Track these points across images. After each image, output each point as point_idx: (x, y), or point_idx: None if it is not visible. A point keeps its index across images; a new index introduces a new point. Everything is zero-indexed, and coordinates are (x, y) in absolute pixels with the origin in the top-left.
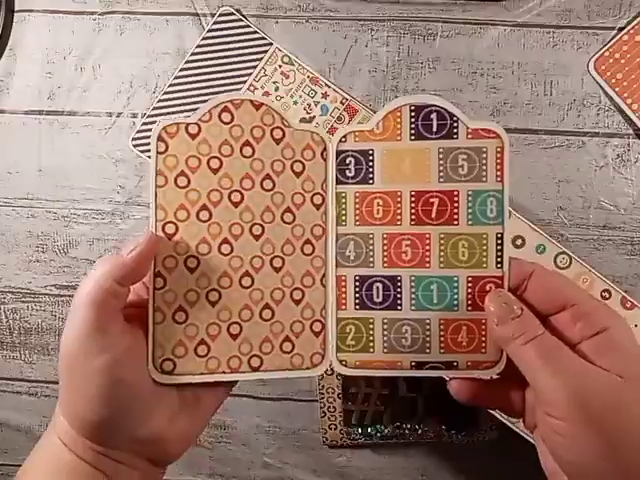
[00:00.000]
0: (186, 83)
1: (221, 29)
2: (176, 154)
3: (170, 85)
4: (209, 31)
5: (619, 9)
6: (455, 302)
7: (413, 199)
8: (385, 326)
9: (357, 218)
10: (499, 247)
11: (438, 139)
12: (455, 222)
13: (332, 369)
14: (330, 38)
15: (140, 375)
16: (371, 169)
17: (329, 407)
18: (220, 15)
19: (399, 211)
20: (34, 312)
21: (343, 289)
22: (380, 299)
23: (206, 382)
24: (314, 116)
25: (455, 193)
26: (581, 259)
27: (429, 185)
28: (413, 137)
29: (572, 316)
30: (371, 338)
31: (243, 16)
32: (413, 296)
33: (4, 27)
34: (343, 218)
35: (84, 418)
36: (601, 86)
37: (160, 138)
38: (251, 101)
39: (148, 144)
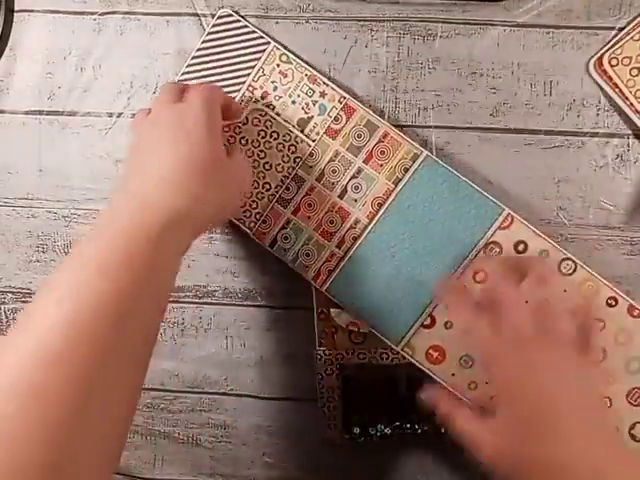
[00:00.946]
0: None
1: (220, 30)
2: None
3: None
4: (209, 33)
5: (619, 9)
6: None
7: None
8: None
9: None
10: None
11: None
12: None
13: (332, 369)
14: (330, 39)
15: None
16: None
17: (329, 407)
18: (219, 17)
19: None
20: None
21: None
22: None
23: None
24: (312, 116)
25: None
26: (581, 260)
27: None
28: None
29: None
30: None
31: (242, 17)
32: None
33: (4, 27)
34: None
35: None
36: (601, 86)
37: None
38: None
39: None
